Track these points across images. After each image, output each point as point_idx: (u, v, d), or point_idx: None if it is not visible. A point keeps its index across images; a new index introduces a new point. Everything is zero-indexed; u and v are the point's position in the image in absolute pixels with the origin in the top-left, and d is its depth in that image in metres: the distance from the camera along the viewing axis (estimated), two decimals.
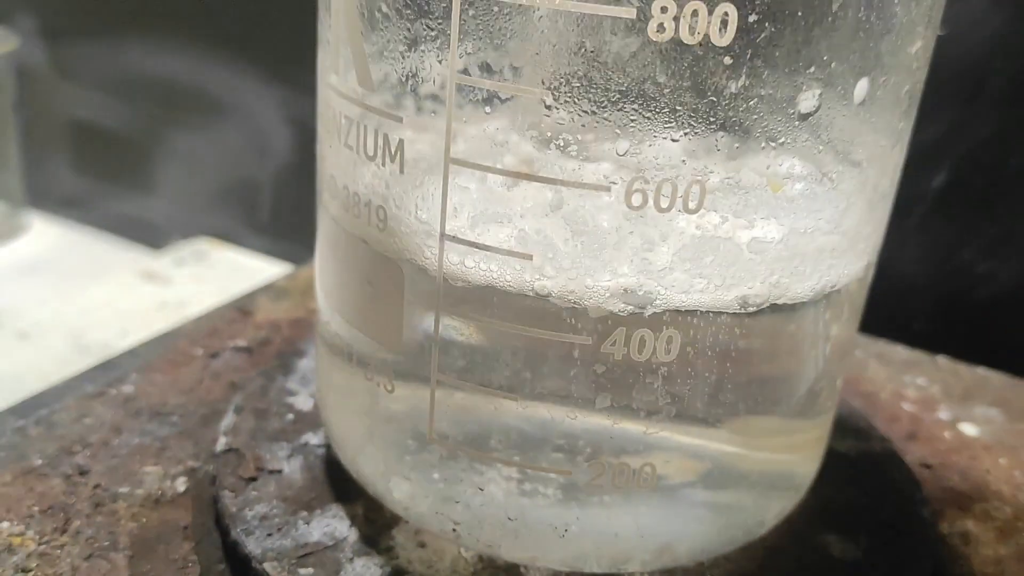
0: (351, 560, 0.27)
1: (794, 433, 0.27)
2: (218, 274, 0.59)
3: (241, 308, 0.42)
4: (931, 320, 0.48)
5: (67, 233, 0.68)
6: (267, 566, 0.26)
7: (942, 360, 0.44)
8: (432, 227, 0.23)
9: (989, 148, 0.44)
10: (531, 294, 0.22)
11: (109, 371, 0.37)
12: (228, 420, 0.32)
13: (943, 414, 0.40)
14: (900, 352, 0.45)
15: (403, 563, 0.27)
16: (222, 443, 0.31)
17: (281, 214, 0.63)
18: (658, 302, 0.22)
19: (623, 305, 0.22)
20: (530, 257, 0.22)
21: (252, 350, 0.39)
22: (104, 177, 0.68)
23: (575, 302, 0.22)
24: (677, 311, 0.22)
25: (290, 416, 0.32)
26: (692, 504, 0.26)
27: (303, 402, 0.33)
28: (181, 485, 0.31)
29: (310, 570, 0.26)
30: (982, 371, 0.44)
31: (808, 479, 0.30)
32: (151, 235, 0.66)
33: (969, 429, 0.39)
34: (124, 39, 0.63)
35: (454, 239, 0.23)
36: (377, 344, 0.25)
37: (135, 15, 0.62)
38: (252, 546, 0.27)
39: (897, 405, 0.41)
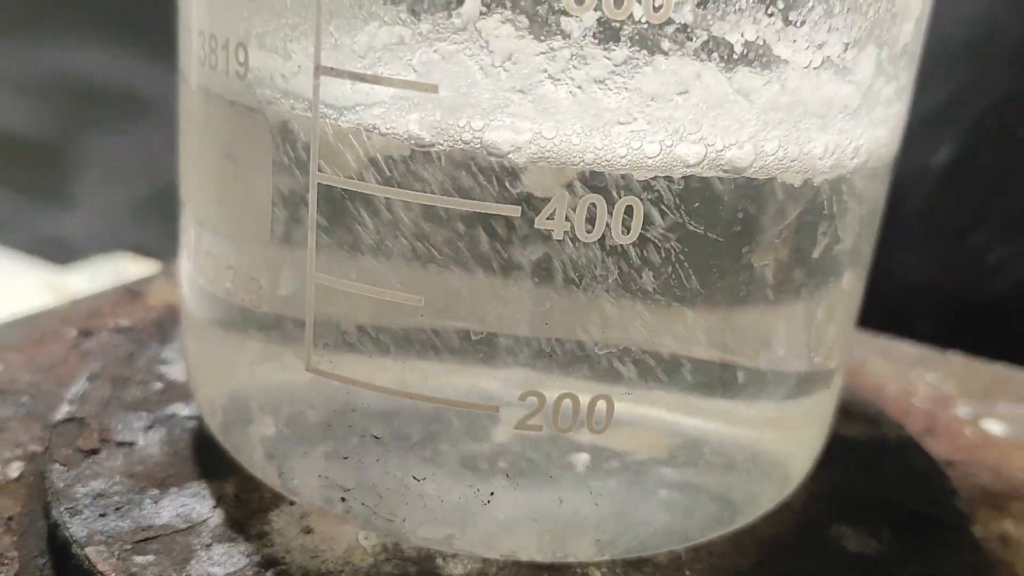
0: (208, 547, 0.20)
1: (786, 393, 0.21)
2: None
3: (131, 289, 0.36)
4: (937, 317, 0.42)
5: None
6: (90, 551, 0.19)
7: (954, 356, 0.38)
8: (304, 60, 0.17)
9: (998, 115, 0.39)
10: (436, 144, 0.16)
11: None
12: (78, 388, 0.25)
13: (961, 411, 0.34)
14: (905, 348, 0.39)
15: (279, 552, 0.20)
16: (63, 412, 0.24)
17: None
18: (612, 157, 0.16)
19: (564, 160, 0.16)
20: (435, 88, 0.16)
21: (136, 330, 0.32)
22: (11, 188, 0.62)
23: (497, 155, 0.16)
24: (639, 170, 0.16)
25: (158, 385, 0.26)
26: (658, 463, 0.19)
27: (179, 372, 0.26)
28: (14, 471, 0.24)
29: (149, 557, 0.19)
30: (1001, 367, 0.38)
31: (804, 461, 0.23)
32: (66, 253, 0.59)
33: (993, 426, 0.33)
34: (34, 35, 0.57)
35: (332, 71, 0.16)
36: (242, 242, 0.19)
37: (46, 9, 0.57)
38: (75, 528, 0.20)
39: (907, 401, 0.34)
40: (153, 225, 0.59)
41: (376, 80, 0.16)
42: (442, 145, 0.16)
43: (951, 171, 0.41)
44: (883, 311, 0.41)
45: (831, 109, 0.18)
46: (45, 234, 0.62)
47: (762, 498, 0.22)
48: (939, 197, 0.41)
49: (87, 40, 0.57)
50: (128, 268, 0.56)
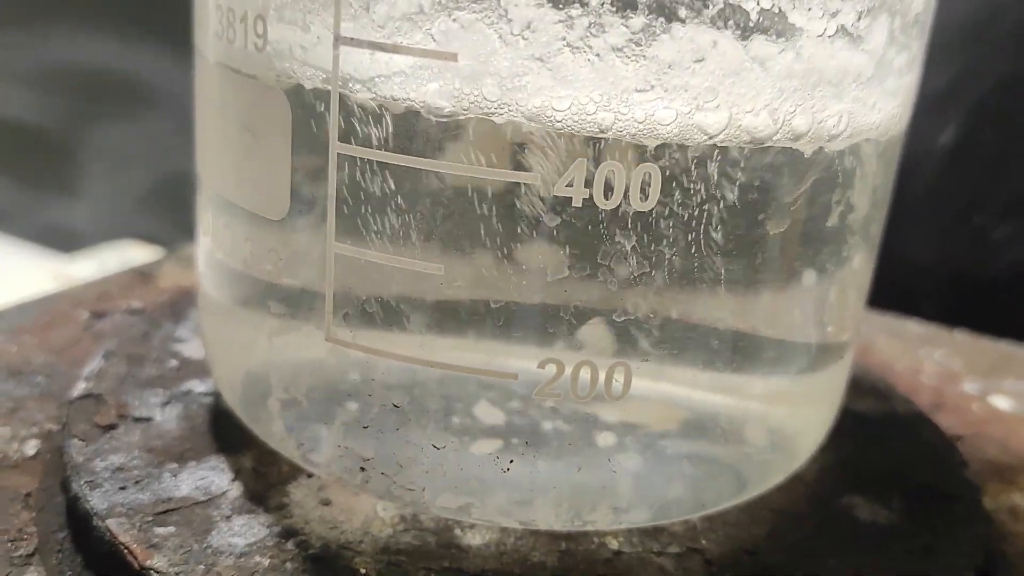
0: (228, 518, 0.20)
1: (799, 366, 0.21)
2: None
3: (143, 272, 0.36)
4: (943, 298, 0.42)
5: None
6: (111, 523, 0.19)
7: (961, 335, 0.38)
8: (323, 31, 0.17)
9: (1001, 97, 0.39)
10: (456, 113, 0.16)
11: None
12: (94, 365, 0.25)
13: (969, 387, 0.34)
14: (912, 327, 0.39)
15: (298, 523, 0.20)
16: (80, 388, 0.24)
17: None
18: (630, 124, 0.16)
19: (582, 128, 0.16)
20: (454, 57, 0.16)
21: (147, 312, 0.32)
22: (20, 179, 0.62)
23: (516, 123, 0.16)
24: (656, 138, 0.16)
25: (173, 363, 0.26)
26: (673, 433, 0.19)
27: (193, 350, 0.27)
28: (31, 449, 0.25)
29: (170, 529, 0.19)
30: (1007, 345, 0.38)
31: (816, 434, 0.23)
32: (73, 242, 0.59)
33: (1000, 402, 0.33)
34: (40, 25, 0.57)
35: (351, 42, 0.17)
36: (260, 215, 0.19)
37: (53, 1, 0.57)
38: (96, 500, 0.20)
39: (915, 378, 0.35)
40: (158, 213, 0.60)
41: (395, 49, 0.16)
42: (462, 114, 0.16)
43: (955, 152, 0.41)
44: (889, 291, 0.41)
45: (845, 77, 0.18)
46: (51, 223, 0.62)
47: (774, 470, 0.22)
48: (943, 179, 0.41)
49: (93, 30, 0.57)
50: (134, 256, 0.56)
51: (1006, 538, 0.26)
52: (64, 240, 0.60)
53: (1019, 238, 0.41)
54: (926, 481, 0.24)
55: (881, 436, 0.26)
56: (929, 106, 0.39)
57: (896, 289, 0.41)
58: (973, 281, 0.42)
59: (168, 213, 0.59)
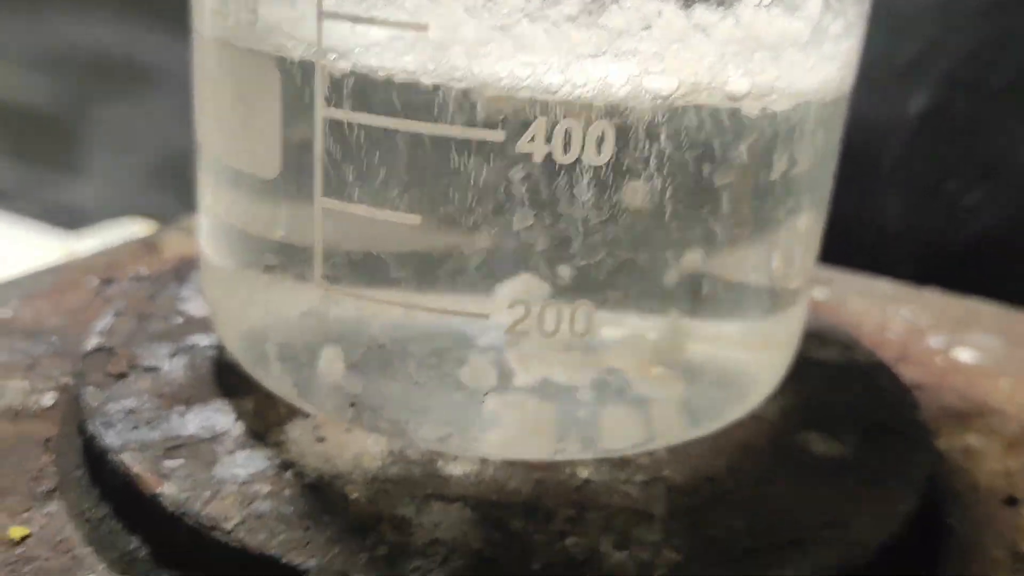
0: (231, 453, 0.22)
1: (752, 313, 0.23)
2: None
3: (148, 243, 0.38)
4: (917, 261, 0.44)
5: None
6: (125, 457, 0.21)
7: (930, 293, 0.40)
8: (307, 6, 0.19)
9: (968, 67, 0.41)
10: (428, 79, 0.18)
11: None
12: (105, 322, 0.27)
13: (934, 341, 0.36)
14: (883, 286, 0.41)
15: (295, 457, 0.22)
16: (93, 343, 0.26)
17: None
18: (584, 87, 0.18)
19: (541, 90, 0.18)
20: (425, 28, 0.18)
21: (153, 278, 0.34)
22: (25, 159, 0.64)
23: (481, 86, 0.18)
24: (608, 98, 0.18)
25: (178, 319, 0.28)
26: (635, 370, 0.21)
27: (196, 308, 0.29)
28: (48, 400, 0.27)
29: (179, 461, 0.21)
30: (973, 303, 0.40)
31: (771, 376, 0.25)
32: (77, 219, 0.61)
33: (963, 355, 0.35)
34: (42, 9, 0.59)
35: (334, 16, 0.18)
36: (255, 175, 0.21)
37: None
38: (111, 438, 0.22)
39: (882, 334, 0.36)
40: (160, 190, 0.61)
41: (372, 21, 0.18)
42: (433, 79, 0.18)
43: (925, 121, 0.42)
44: (864, 255, 0.43)
45: (783, 42, 0.20)
46: (57, 202, 0.64)
47: (729, 409, 0.24)
48: (915, 146, 0.43)
49: (94, 12, 0.59)
50: (136, 232, 0.58)
51: (957, 474, 0.28)
52: (68, 218, 0.62)
53: (988, 203, 0.43)
54: (879, 421, 0.26)
55: (841, 382, 0.28)
56: (901, 76, 0.41)
57: (871, 253, 0.43)
58: (944, 245, 0.44)
59: (169, 191, 0.61)
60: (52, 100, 0.62)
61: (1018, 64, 0.40)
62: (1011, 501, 0.26)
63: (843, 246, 0.35)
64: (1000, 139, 0.42)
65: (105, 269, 0.35)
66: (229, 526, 0.19)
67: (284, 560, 0.19)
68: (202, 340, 0.27)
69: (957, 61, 0.41)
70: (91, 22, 0.58)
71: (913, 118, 0.42)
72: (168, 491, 0.20)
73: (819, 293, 0.39)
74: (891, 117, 0.42)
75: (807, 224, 0.23)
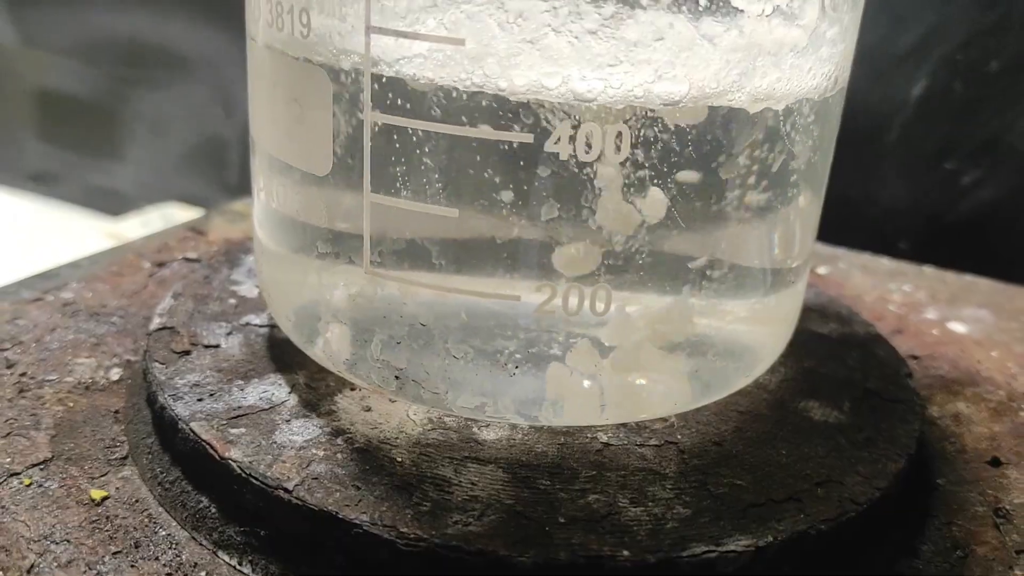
0: (288, 421, 0.24)
1: (756, 291, 0.25)
2: None
3: (194, 227, 0.40)
4: (917, 236, 0.46)
5: (30, 205, 0.66)
6: (195, 426, 0.24)
7: (928, 269, 0.42)
8: (356, 21, 0.21)
9: (966, 52, 0.43)
10: (464, 87, 0.21)
11: (48, 280, 0.35)
12: (165, 304, 0.30)
13: (930, 314, 0.38)
14: (885, 263, 0.43)
15: (345, 424, 0.24)
16: (156, 323, 0.29)
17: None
18: (604, 92, 0.20)
19: (566, 97, 0.20)
20: (462, 42, 0.20)
21: (203, 260, 0.37)
22: (68, 147, 0.66)
23: (513, 93, 0.20)
24: (626, 102, 0.21)
25: (232, 301, 0.30)
26: (649, 344, 0.24)
27: (248, 290, 0.31)
28: (115, 375, 0.29)
29: (242, 429, 0.24)
30: (970, 278, 0.42)
31: (773, 349, 0.27)
32: (119, 204, 0.64)
33: (958, 327, 0.37)
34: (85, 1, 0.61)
35: (381, 31, 0.21)
36: (308, 171, 0.23)
37: None
38: (180, 409, 0.24)
39: (882, 308, 0.39)
40: (198, 176, 0.64)
41: (415, 36, 0.21)
42: (469, 87, 0.21)
43: (926, 103, 0.45)
44: (866, 233, 0.45)
45: (782, 49, 0.22)
46: (98, 187, 0.67)
47: (734, 379, 0.26)
48: (915, 127, 0.45)
49: (132, 3, 0.61)
50: (177, 216, 0.61)
51: (948, 439, 0.30)
52: (109, 202, 0.65)
53: (986, 181, 0.45)
54: (874, 388, 0.28)
55: (839, 354, 0.31)
56: (903, 60, 0.43)
57: (873, 230, 0.45)
58: (944, 221, 0.46)
59: (205, 176, 0.63)
60: (93, 89, 0.64)
61: (1015, 48, 0.42)
62: (995, 462, 0.28)
63: (847, 225, 0.38)
64: (1001, 115, 0.44)
65: (157, 253, 0.38)
66: (291, 486, 0.22)
67: (340, 516, 0.21)
68: (255, 319, 0.29)
69: (956, 46, 0.43)
70: (130, 12, 0.61)
71: (914, 101, 0.44)
72: (235, 456, 0.23)
73: (824, 270, 0.42)
74: (893, 101, 0.44)
75: (806, 209, 0.25)
